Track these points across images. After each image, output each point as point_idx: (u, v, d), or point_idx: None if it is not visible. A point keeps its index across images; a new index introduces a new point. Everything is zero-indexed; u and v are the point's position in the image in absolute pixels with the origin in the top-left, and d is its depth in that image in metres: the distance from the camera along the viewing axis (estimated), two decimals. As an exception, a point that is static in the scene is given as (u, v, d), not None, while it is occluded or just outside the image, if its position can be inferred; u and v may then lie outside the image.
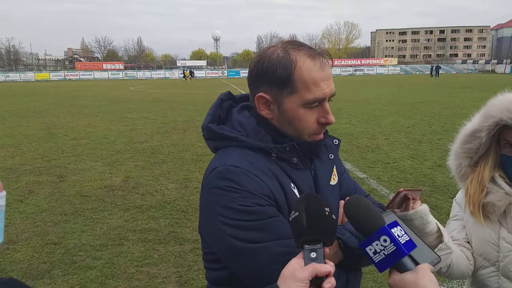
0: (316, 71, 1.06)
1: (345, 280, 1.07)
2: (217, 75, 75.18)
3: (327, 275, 0.83)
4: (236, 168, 1.04)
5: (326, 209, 0.87)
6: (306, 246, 0.86)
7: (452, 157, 1.49)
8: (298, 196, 1.10)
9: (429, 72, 57.34)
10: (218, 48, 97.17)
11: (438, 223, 1.34)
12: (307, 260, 0.84)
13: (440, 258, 1.00)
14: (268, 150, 1.09)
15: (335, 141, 1.29)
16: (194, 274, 3.52)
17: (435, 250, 1.07)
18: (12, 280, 0.54)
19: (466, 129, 1.41)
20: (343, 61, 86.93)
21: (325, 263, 0.84)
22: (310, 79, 1.05)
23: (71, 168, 7.08)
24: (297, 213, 0.86)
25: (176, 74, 75.56)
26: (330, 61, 1.11)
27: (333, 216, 0.88)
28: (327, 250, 0.87)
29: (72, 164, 7.38)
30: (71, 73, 73.15)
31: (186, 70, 62.95)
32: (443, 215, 4.49)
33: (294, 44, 1.11)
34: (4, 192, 0.45)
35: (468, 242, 1.48)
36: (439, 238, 1.32)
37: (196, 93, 26.77)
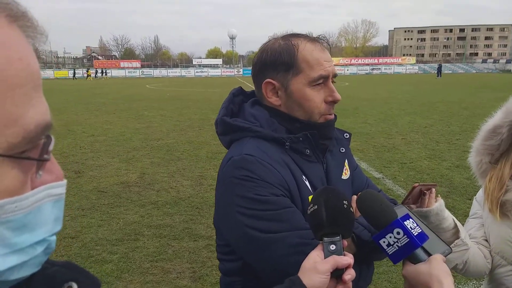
0: (317, 52, 1.12)
1: (358, 273, 1.08)
2: (233, 73, 75.32)
3: (347, 267, 0.84)
4: (251, 157, 1.05)
5: (345, 202, 0.88)
6: (325, 238, 0.87)
7: (473, 154, 1.47)
8: (310, 188, 1.11)
9: (436, 72, 51.38)
10: (234, 46, 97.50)
11: (455, 219, 1.33)
12: (327, 253, 0.85)
13: (451, 249, 1.02)
14: (282, 140, 1.11)
15: (346, 135, 1.31)
16: (208, 270, 3.55)
17: (451, 246, 1.07)
18: (69, 263, 0.56)
19: (487, 125, 1.40)
20: (360, 60, 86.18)
21: (344, 255, 0.85)
22: (312, 59, 1.11)
23: (88, 164, 7.21)
24: (316, 206, 0.87)
25: (193, 72, 75.94)
26: (328, 46, 1.17)
27: (351, 209, 0.89)
28: (345, 242, 0.88)
29: (89, 160, 7.51)
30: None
31: (89, 70, 61.76)
32: (460, 216, 4.40)
33: (292, 34, 1.18)
34: (65, 181, 0.48)
35: (486, 240, 1.46)
36: (456, 234, 1.32)
37: (211, 92, 26.88)
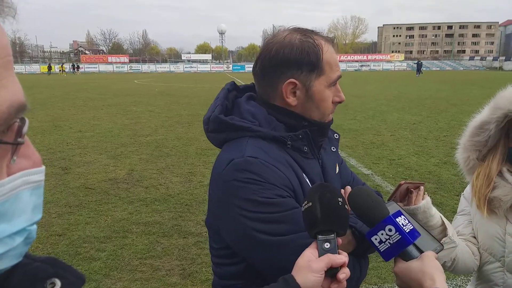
0: (334, 53, 1.12)
1: (358, 268, 1.08)
2: (222, 69, 74.97)
3: (341, 266, 0.83)
4: (255, 159, 1.01)
5: (339, 199, 0.86)
6: (320, 236, 0.85)
7: (460, 150, 1.47)
8: (310, 185, 1.10)
9: (418, 70, 47.04)
10: (224, 42, 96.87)
11: (442, 216, 1.33)
12: (321, 251, 0.84)
13: (442, 246, 1.02)
14: (283, 139, 1.08)
15: (336, 135, 1.32)
16: (198, 267, 3.53)
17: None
18: (52, 258, 0.54)
19: (475, 121, 1.39)
20: (349, 56, 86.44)
21: (338, 253, 0.84)
22: (333, 60, 1.11)
23: (75, 161, 7.11)
24: (310, 203, 0.86)
25: (182, 67, 75.33)
26: (337, 47, 1.18)
27: (346, 206, 0.88)
28: (339, 240, 0.87)
29: (76, 157, 7.40)
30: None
31: (62, 65, 60.55)
32: (448, 212, 4.45)
33: (307, 30, 1.13)
34: (44, 167, 0.46)
35: (474, 237, 1.46)
36: (443, 232, 1.31)
37: (201, 87, 26.74)
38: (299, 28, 1.13)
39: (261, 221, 0.98)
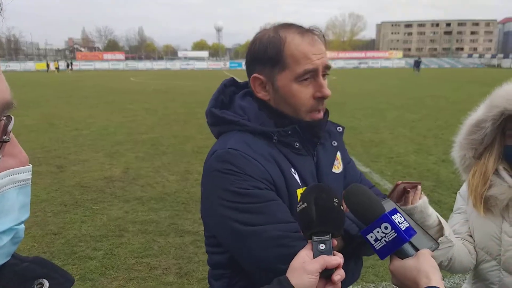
0: (306, 45, 1.07)
1: (344, 269, 1.07)
2: (219, 66, 74.69)
3: (336, 267, 0.83)
4: (235, 151, 1.05)
5: (335, 200, 0.86)
6: (315, 237, 0.85)
7: (456, 148, 1.47)
8: (299, 181, 1.10)
9: (415, 67, 45.13)
10: (221, 39, 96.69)
11: (439, 216, 1.32)
12: (316, 252, 0.83)
13: (438, 244, 1.02)
14: (269, 134, 1.10)
15: (339, 129, 1.30)
16: (194, 266, 3.51)
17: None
18: (40, 259, 0.54)
19: (471, 119, 1.39)
20: (347, 54, 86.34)
21: (333, 254, 0.84)
22: (299, 53, 1.07)
23: (71, 159, 7.07)
24: (305, 204, 0.85)
25: (178, 65, 75.04)
26: (322, 37, 1.12)
27: (341, 206, 0.87)
28: (335, 241, 0.86)
29: (72, 155, 7.36)
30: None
31: (56, 62, 59.74)
32: (446, 210, 4.44)
33: (284, 24, 1.13)
34: (31, 166, 0.46)
35: (471, 236, 1.46)
36: (440, 231, 1.31)
37: (197, 85, 26.66)
38: (282, 24, 1.14)
39: (236, 210, 1.01)
